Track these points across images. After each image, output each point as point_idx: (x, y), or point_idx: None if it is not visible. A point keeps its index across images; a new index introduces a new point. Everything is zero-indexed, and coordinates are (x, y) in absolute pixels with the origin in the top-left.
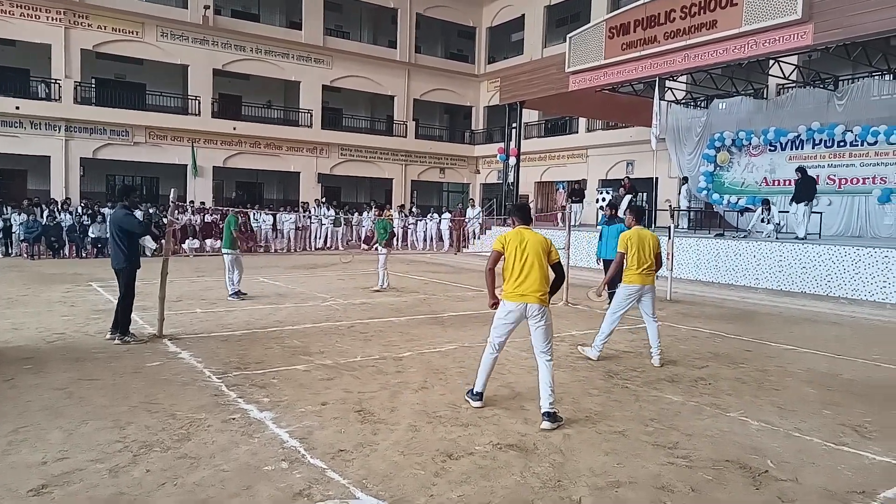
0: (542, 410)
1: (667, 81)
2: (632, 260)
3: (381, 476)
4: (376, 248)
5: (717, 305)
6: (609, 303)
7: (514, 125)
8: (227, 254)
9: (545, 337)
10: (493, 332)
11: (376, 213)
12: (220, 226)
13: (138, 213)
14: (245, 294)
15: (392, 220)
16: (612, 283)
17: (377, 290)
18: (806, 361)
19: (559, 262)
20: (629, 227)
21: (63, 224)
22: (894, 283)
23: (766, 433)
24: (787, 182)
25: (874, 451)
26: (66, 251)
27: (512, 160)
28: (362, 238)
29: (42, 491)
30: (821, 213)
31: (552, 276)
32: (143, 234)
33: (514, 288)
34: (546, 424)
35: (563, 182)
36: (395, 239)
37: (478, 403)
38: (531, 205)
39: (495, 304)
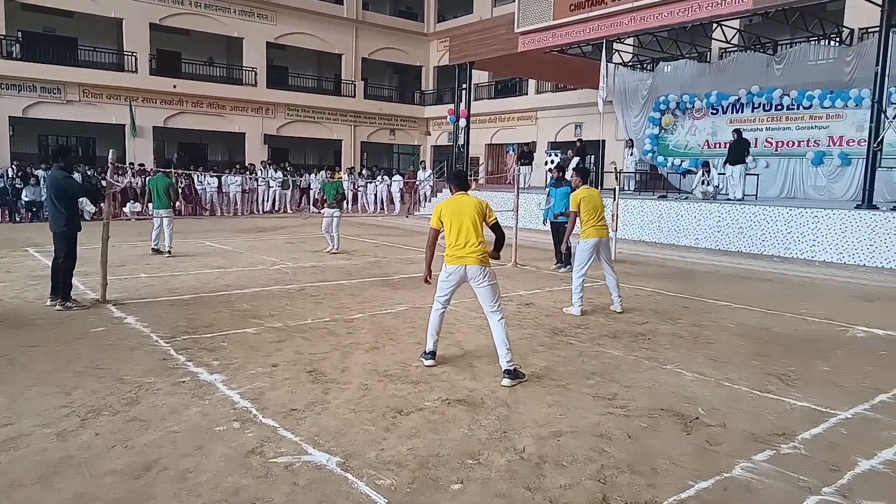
0: (503, 368)
1: (614, 44)
2: (586, 217)
3: (332, 433)
4: (305, 218)
5: (659, 265)
6: (562, 268)
7: (463, 86)
8: (166, 215)
9: (492, 296)
10: (437, 292)
11: (328, 175)
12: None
13: (76, 176)
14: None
15: (342, 182)
16: (567, 255)
17: (333, 252)
18: (739, 316)
19: (497, 222)
20: (575, 188)
21: None
22: (823, 242)
23: (699, 383)
24: (727, 145)
25: (795, 397)
26: None
27: (462, 122)
28: (311, 202)
29: None
30: (758, 175)
31: (493, 237)
32: (83, 195)
33: (452, 251)
34: (506, 381)
35: (514, 144)
36: (345, 202)
37: (430, 362)
38: (481, 167)
39: (427, 279)
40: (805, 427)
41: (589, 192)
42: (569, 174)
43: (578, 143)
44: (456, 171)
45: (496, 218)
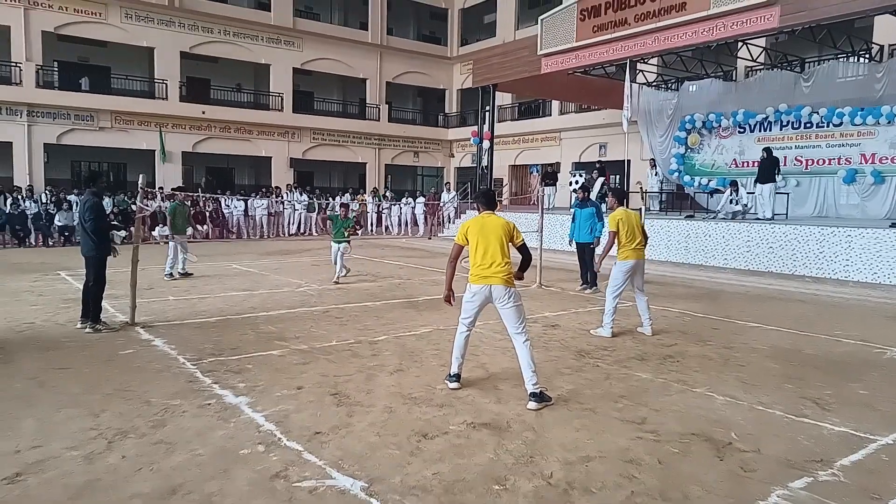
0: (528, 391)
1: (638, 64)
2: (625, 238)
3: (356, 457)
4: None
5: (686, 285)
6: (588, 289)
7: (487, 108)
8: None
9: (516, 317)
10: (462, 314)
11: (341, 211)
12: (192, 213)
13: (107, 201)
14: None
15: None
16: (593, 273)
17: (335, 282)
18: (770, 338)
19: (524, 243)
20: (612, 210)
21: (28, 212)
22: (856, 262)
23: (731, 407)
24: (756, 163)
25: (833, 421)
26: (32, 240)
27: (486, 143)
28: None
29: (16, 479)
30: (787, 193)
31: (519, 258)
32: (109, 229)
33: (477, 271)
34: (532, 405)
35: (537, 165)
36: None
37: (455, 385)
38: (505, 188)
39: (449, 299)
40: (843, 453)
41: (626, 213)
42: (593, 195)
43: (598, 165)
44: (484, 190)
45: (524, 239)
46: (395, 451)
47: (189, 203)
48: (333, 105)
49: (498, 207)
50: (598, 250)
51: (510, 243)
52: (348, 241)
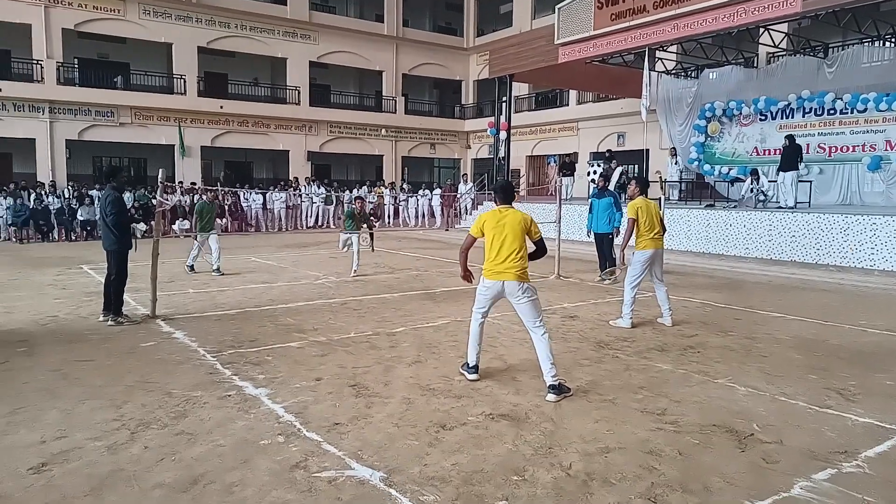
0: (547, 384)
1: (657, 52)
2: (644, 226)
3: (375, 447)
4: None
5: (707, 275)
6: (608, 279)
7: (504, 99)
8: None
9: (533, 312)
10: (475, 304)
11: (357, 203)
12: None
13: (126, 196)
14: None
15: (375, 199)
16: (612, 262)
17: (353, 276)
18: (793, 328)
19: (541, 238)
20: (632, 198)
21: (51, 207)
22: (882, 250)
23: (753, 398)
24: (778, 151)
25: (857, 412)
26: (56, 234)
27: (503, 134)
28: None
29: (42, 469)
30: (811, 181)
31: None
32: (129, 223)
33: (491, 266)
34: (552, 396)
35: (555, 156)
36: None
37: (474, 376)
38: (522, 179)
39: (466, 276)
40: (868, 444)
41: (646, 202)
42: (612, 185)
43: (608, 154)
44: (502, 182)
45: (541, 235)
46: (414, 442)
47: (216, 202)
48: (350, 98)
49: (515, 199)
50: (617, 240)
51: (528, 238)
52: (370, 232)
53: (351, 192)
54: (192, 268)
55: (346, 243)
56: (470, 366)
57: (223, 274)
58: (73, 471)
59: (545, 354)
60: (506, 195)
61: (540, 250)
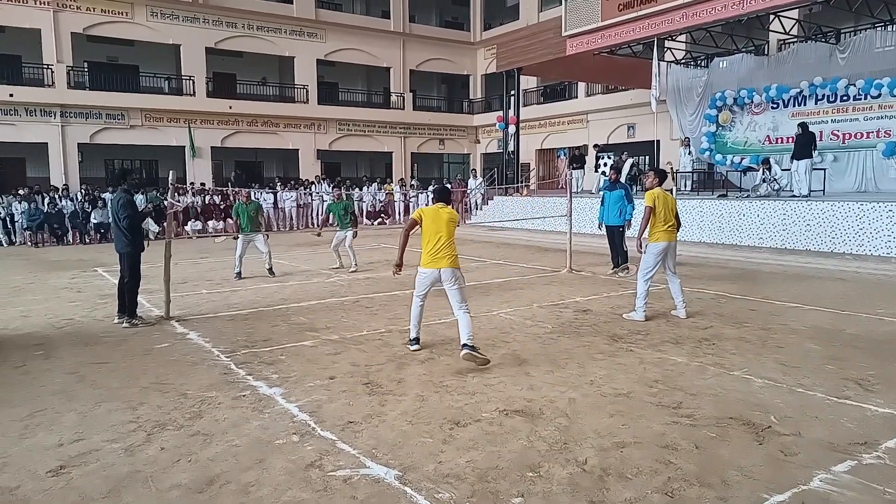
0: (462, 342)
1: (666, 41)
2: (658, 218)
3: (390, 445)
4: (318, 234)
5: (721, 266)
6: (622, 273)
7: (512, 93)
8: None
9: (461, 297)
10: (416, 289)
11: (334, 194)
12: (222, 207)
13: (139, 198)
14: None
15: (351, 202)
16: (624, 255)
17: (352, 271)
18: (810, 318)
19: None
20: (650, 189)
21: (65, 211)
22: None
23: (770, 390)
24: (790, 139)
25: (876, 403)
26: (70, 237)
27: (511, 128)
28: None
29: (60, 471)
30: (824, 169)
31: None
32: (141, 221)
33: (428, 256)
34: (465, 352)
35: (565, 148)
36: (357, 220)
37: (416, 347)
38: (532, 173)
39: (398, 269)
40: (888, 435)
41: (664, 193)
42: (623, 177)
43: (595, 147)
44: (440, 186)
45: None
46: (428, 440)
47: (254, 201)
48: (358, 95)
49: (526, 193)
50: (629, 233)
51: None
52: (354, 226)
53: (360, 189)
54: (239, 275)
55: (342, 241)
56: (412, 339)
57: (275, 275)
58: (90, 472)
59: (465, 327)
60: (442, 197)
61: None
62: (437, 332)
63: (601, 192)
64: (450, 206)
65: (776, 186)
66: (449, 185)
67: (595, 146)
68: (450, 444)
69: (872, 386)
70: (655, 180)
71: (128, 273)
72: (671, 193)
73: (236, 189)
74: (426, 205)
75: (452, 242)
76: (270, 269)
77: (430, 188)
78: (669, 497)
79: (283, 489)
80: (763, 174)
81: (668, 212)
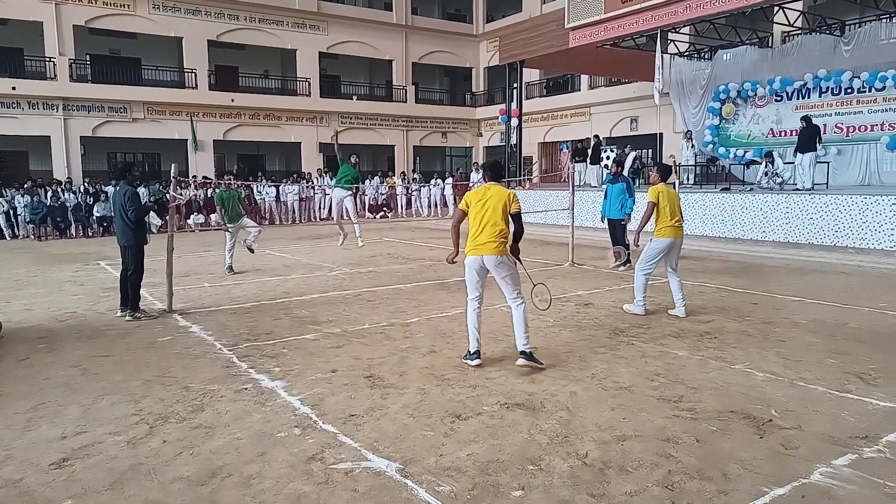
0: (519, 350)
1: (669, 33)
2: (663, 213)
3: (391, 438)
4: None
5: (723, 260)
6: (621, 266)
7: (515, 85)
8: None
9: (512, 286)
10: (468, 292)
11: (224, 183)
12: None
13: (141, 191)
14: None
15: (236, 189)
16: (625, 247)
17: (360, 246)
18: (812, 312)
19: (518, 213)
20: (654, 185)
21: (68, 204)
22: None
23: (771, 383)
24: (794, 132)
25: (878, 396)
26: (73, 231)
27: (514, 121)
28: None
29: (63, 464)
30: (828, 162)
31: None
32: (145, 214)
33: (472, 242)
34: (521, 361)
35: (567, 142)
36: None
37: (476, 362)
38: (535, 166)
39: (454, 259)
40: (889, 429)
41: (668, 188)
42: (626, 170)
43: (594, 140)
44: (492, 161)
45: (519, 208)
46: (430, 433)
47: (235, 187)
48: (360, 88)
49: (528, 186)
50: (630, 226)
51: (506, 212)
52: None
53: (363, 182)
54: (230, 268)
55: (343, 205)
56: (471, 352)
57: (253, 252)
58: (93, 465)
59: (521, 325)
60: (495, 173)
61: (518, 228)
62: (439, 325)
63: (604, 186)
64: (501, 185)
65: (778, 180)
66: (500, 162)
67: (595, 136)
68: (451, 437)
69: (874, 380)
70: (658, 177)
71: (132, 266)
72: (674, 188)
73: (238, 182)
74: (427, 198)
75: (500, 225)
76: (251, 248)
77: (477, 175)
78: (670, 490)
79: (285, 482)
80: (765, 167)
81: (674, 207)
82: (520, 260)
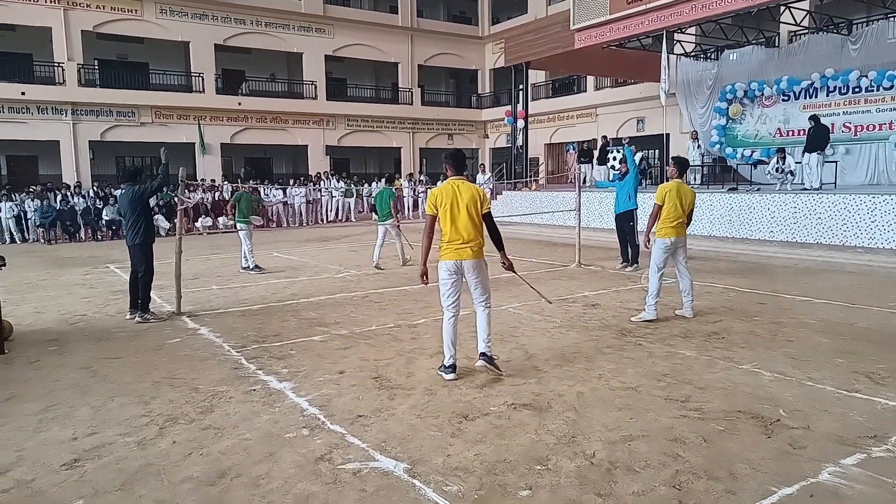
0: (480, 351)
1: (675, 34)
2: (667, 212)
3: (399, 439)
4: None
5: (731, 260)
6: (628, 267)
7: (520, 87)
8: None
9: (482, 290)
10: (443, 298)
11: (250, 188)
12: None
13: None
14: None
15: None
16: (635, 250)
17: (404, 264)
18: (820, 312)
19: (489, 212)
20: (670, 179)
21: (77, 208)
22: None
23: (779, 383)
24: (801, 132)
25: (887, 396)
26: (82, 234)
27: (520, 123)
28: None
29: (74, 465)
30: (836, 162)
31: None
32: (159, 188)
33: (449, 245)
34: (480, 363)
35: (573, 143)
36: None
37: (451, 376)
38: (541, 167)
39: (424, 277)
40: None
41: (678, 185)
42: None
43: (602, 141)
44: (452, 151)
45: (490, 208)
46: (437, 433)
47: (249, 190)
48: (366, 91)
49: (535, 188)
50: (638, 227)
51: (479, 212)
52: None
53: (370, 185)
54: (250, 268)
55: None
56: (446, 365)
57: (262, 270)
58: (104, 466)
59: (484, 327)
60: (457, 165)
61: (490, 229)
62: None
63: (614, 186)
64: (467, 181)
65: (791, 178)
66: (463, 152)
67: (603, 137)
68: (458, 437)
69: (883, 379)
70: (675, 171)
71: (142, 267)
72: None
73: (246, 185)
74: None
75: (477, 226)
76: (248, 268)
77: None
78: (677, 490)
79: (294, 482)
80: (777, 163)
81: (680, 207)
82: (516, 272)
